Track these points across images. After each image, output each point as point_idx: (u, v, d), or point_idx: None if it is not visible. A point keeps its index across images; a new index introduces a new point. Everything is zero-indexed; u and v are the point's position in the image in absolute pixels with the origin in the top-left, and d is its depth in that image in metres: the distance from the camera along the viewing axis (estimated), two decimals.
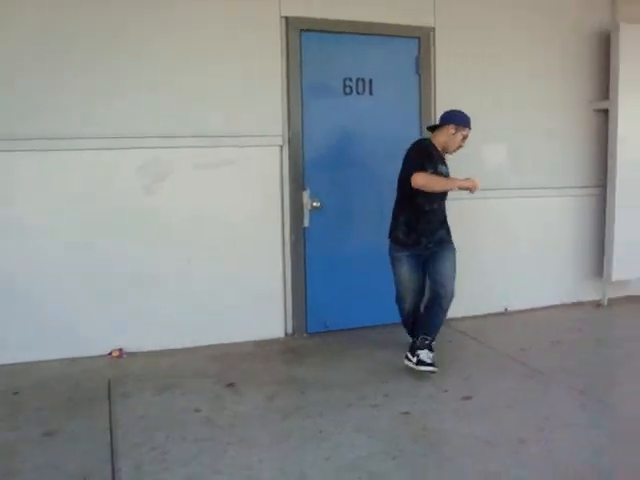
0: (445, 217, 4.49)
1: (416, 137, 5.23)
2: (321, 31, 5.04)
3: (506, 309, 5.79)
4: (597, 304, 6.15)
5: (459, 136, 4.35)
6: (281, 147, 4.97)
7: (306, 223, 5.05)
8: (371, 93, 5.19)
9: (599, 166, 6.12)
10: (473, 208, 5.42)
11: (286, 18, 4.94)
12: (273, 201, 5.01)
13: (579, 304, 6.14)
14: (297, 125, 4.99)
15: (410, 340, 4.44)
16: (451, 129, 4.32)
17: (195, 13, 4.73)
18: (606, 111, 5.98)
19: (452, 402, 3.86)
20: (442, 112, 4.48)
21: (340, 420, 3.58)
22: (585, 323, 5.65)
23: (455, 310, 5.46)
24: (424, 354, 4.21)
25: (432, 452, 3.25)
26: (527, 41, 5.75)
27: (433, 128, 4.50)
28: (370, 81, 5.17)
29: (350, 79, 5.13)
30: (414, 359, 4.24)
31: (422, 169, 4.15)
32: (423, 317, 4.49)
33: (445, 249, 4.44)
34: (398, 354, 4.52)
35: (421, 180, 4.11)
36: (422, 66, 5.34)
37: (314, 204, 5.04)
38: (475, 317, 5.64)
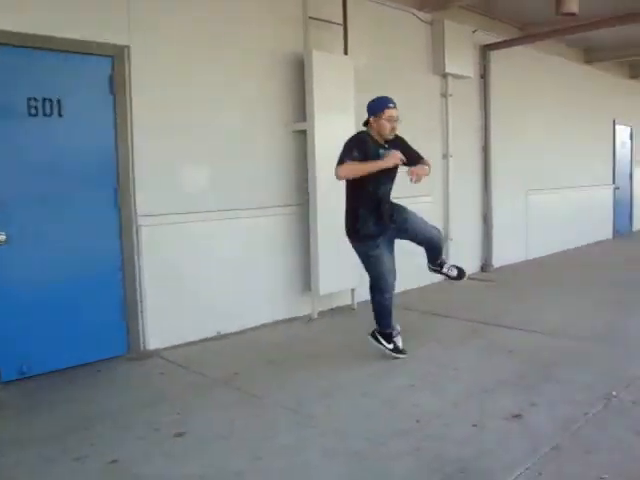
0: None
1: (112, 159, 4.98)
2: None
3: (219, 332, 5.70)
4: (308, 318, 6.36)
5: (382, 122, 4.70)
6: None
7: None
8: (60, 114, 4.74)
9: (302, 184, 6.34)
10: (174, 233, 5.38)
11: None
12: None
13: (291, 320, 6.30)
14: None
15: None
16: (371, 120, 4.77)
17: None
18: (304, 132, 6.22)
19: (164, 441, 3.64)
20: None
21: None
22: (297, 338, 5.78)
23: (166, 339, 5.31)
24: None
25: None
26: (226, 65, 5.76)
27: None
28: (59, 101, 4.73)
29: (35, 99, 4.63)
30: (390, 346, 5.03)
31: (342, 162, 4.55)
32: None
33: (407, 213, 4.89)
34: (108, 393, 4.27)
35: (341, 172, 4.57)
36: (117, 86, 5.04)
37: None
38: (188, 344, 5.46)
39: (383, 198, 4.81)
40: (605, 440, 3.56)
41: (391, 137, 4.79)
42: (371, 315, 5.05)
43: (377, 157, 4.66)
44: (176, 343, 5.42)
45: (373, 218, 4.77)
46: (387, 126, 4.71)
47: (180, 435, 3.70)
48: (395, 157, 4.63)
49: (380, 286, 4.92)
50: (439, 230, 5.14)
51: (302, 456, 3.44)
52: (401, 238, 4.98)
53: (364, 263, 4.95)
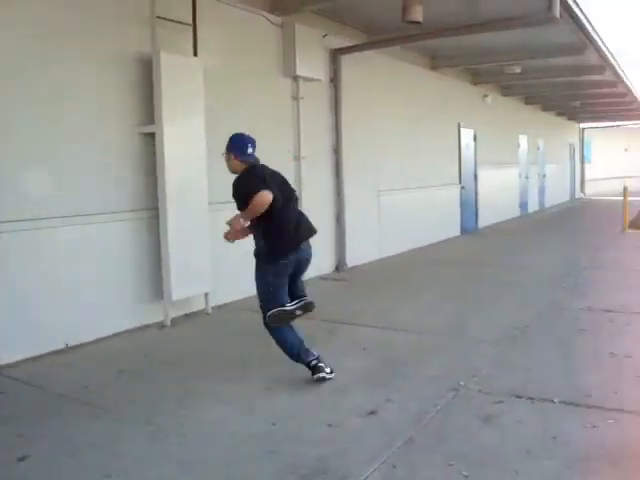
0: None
1: None
2: None
3: (67, 345, 5.40)
4: (161, 325, 6.17)
5: None
6: None
7: None
8: None
9: (152, 188, 6.13)
10: (14, 241, 5.06)
11: None
12: None
13: (143, 328, 6.08)
14: None
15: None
16: None
17: None
18: (153, 134, 6.03)
19: (4, 468, 3.36)
20: None
21: None
22: (150, 347, 5.59)
23: (9, 354, 4.98)
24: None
25: None
26: (67, 64, 5.45)
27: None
28: None
29: None
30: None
31: None
32: None
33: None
34: None
35: None
36: None
37: None
38: (34, 359, 5.11)
39: None
40: (454, 429, 3.72)
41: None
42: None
43: None
44: (20, 358, 5.06)
45: None
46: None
47: (23, 459, 3.44)
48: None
49: None
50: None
51: (156, 470, 3.32)
52: None
53: None
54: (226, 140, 4.75)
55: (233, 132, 6.88)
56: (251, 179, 4.55)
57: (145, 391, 4.45)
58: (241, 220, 4.47)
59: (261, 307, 4.55)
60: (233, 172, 4.71)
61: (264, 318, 4.51)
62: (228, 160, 4.71)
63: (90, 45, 5.64)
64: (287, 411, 4.04)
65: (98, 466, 3.35)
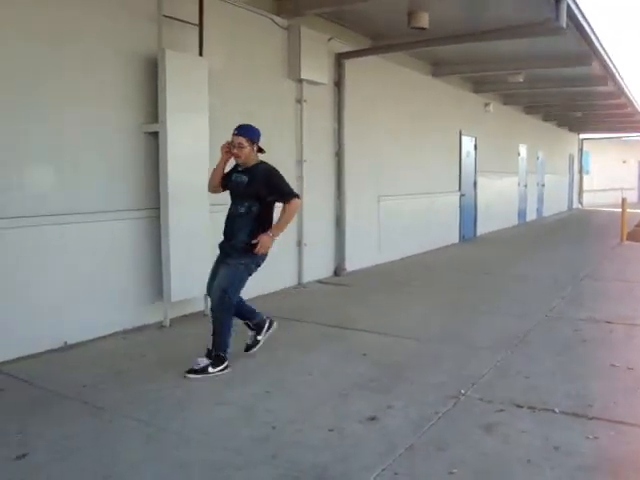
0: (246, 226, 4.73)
1: None
2: None
3: (66, 343, 5.37)
4: (160, 326, 6.13)
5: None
6: None
7: None
8: None
9: (154, 188, 6.11)
10: (12, 237, 5.01)
11: None
12: None
13: (142, 328, 6.05)
14: None
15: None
16: None
17: None
18: (157, 133, 6.01)
19: (3, 466, 3.32)
20: None
21: None
22: (149, 347, 5.55)
23: (7, 352, 4.94)
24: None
25: None
26: (69, 61, 5.40)
27: None
28: None
29: None
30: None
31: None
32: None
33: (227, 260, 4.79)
34: None
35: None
36: None
37: None
38: (32, 356, 5.08)
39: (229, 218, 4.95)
40: (455, 437, 3.69)
41: (240, 161, 4.82)
42: None
43: (230, 181, 4.87)
44: (19, 356, 5.02)
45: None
46: (232, 151, 4.79)
47: (22, 457, 3.40)
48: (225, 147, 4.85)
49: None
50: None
51: (155, 471, 3.29)
52: None
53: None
54: (227, 138, 4.76)
55: None
56: (283, 178, 4.79)
57: (144, 392, 4.41)
58: (271, 238, 4.74)
59: (224, 289, 4.73)
60: (244, 163, 4.78)
61: (222, 297, 4.74)
62: (245, 148, 4.71)
63: (95, 43, 5.60)
64: (287, 415, 4.00)
65: (98, 466, 3.32)
